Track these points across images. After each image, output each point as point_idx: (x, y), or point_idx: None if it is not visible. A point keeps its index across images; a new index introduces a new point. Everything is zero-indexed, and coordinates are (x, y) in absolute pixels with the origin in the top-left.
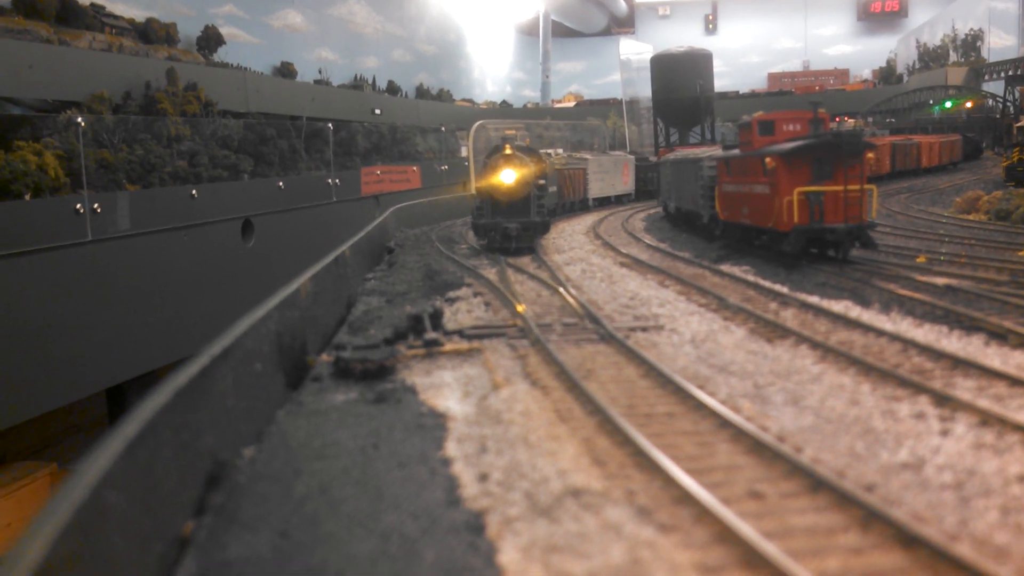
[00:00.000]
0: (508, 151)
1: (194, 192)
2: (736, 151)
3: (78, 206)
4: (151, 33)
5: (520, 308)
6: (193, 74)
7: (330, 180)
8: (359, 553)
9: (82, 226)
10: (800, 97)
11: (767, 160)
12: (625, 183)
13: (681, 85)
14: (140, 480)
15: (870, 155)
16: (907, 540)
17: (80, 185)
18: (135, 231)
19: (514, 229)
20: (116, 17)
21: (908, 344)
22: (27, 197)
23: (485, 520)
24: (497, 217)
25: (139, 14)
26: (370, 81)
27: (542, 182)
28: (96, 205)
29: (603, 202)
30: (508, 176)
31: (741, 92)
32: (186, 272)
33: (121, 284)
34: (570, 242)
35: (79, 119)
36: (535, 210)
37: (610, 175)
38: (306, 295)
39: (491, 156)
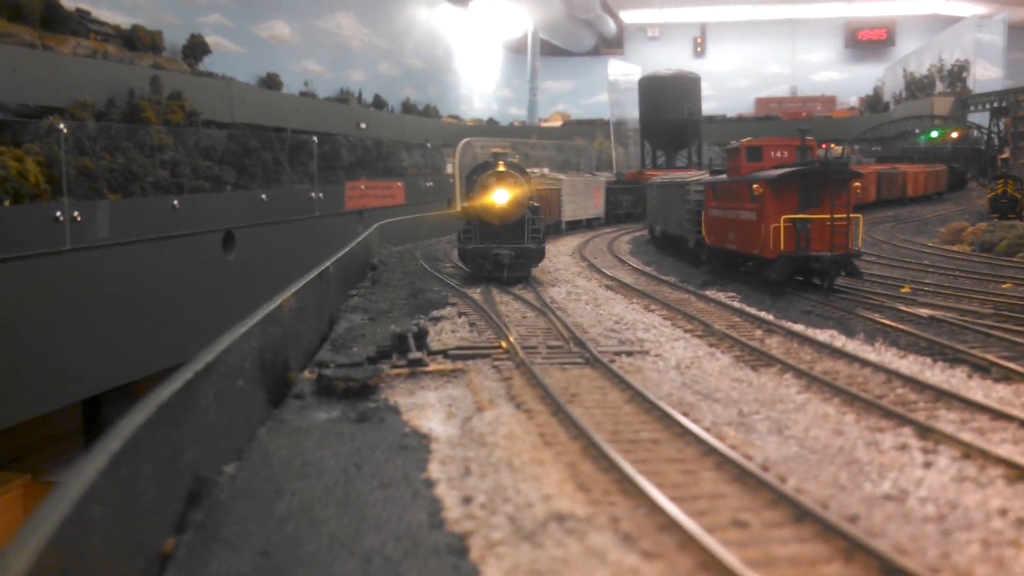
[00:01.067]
0: (501, 168)
1: (176, 202)
2: (723, 176)
3: (58, 214)
4: (136, 40)
5: (511, 338)
6: (178, 83)
7: (314, 194)
8: (341, 574)
9: (61, 234)
10: (787, 123)
11: (755, 186)
12: (596, 206)
13: (669, 107)
14: (123, 495)
15: (856, 184)
16: (889, 572)
17: (60, 192)
18: (115, 241)
19: (507, 256)
20: (101, 23)
21: (892, 375)
22: (6, 203)
23: (468, 543)
24: (487, 242)
25: (124, 20)
26: (356, 95)
27: (536, 204)
28: (76, 213)
29: (575, 226)
30: (501, 196)
31: (728, 116)
32: (166, 284)
33: (100, 294)
34: (555, 263)
35: (61, 125)
36: (530, 235)
37: (583, 197)
38: (289, 311)
39: (481, 174)
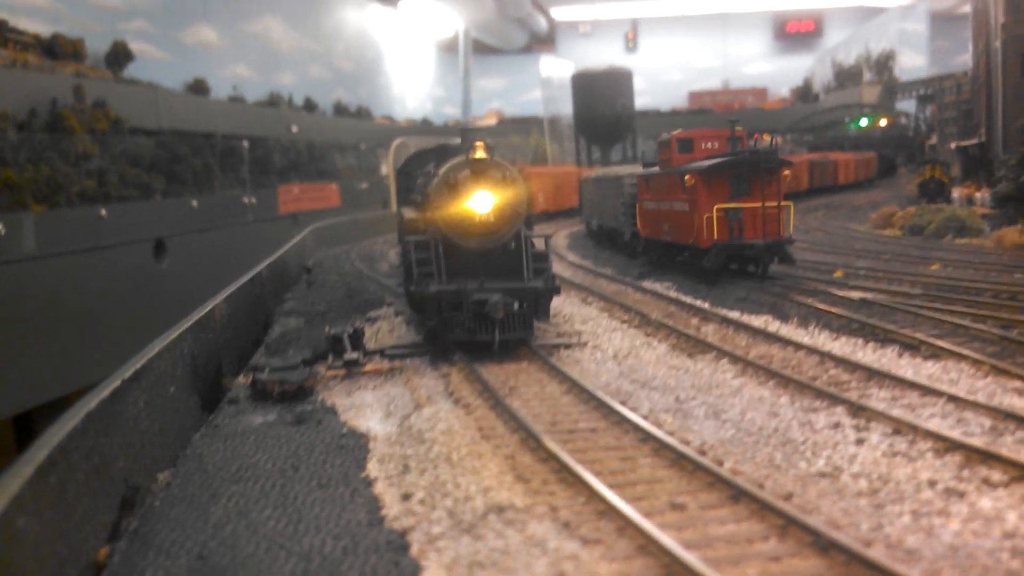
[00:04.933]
0: (481, 154)
1: (103, 212)
2: (656, 169)
3: None
4: (57, 49)
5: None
6: (102, 91)
7: (246, 199)
8: (280, 575)
9: None
10: (720, 115)
11: (686, 177)
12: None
13: (602, 103)
14: (52, 505)
15: (786, 172)
16: (823, 546)
17: None
18: (41, 253)
19: (500, 305)
20: (20, 32)
21: (825, 356)
22: None
23: (408, 539)
24: (460, 280)
25: (44, 29)
26: (287, 98)
27: (530, 214)
28: (0, 226)
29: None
30: (482, 202)
31: (662, 110)
32: (97, 295)
33: (27, 308)
34: None
35: None
36: (531, 266)
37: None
38: (221, 316)
39: (432, 164)
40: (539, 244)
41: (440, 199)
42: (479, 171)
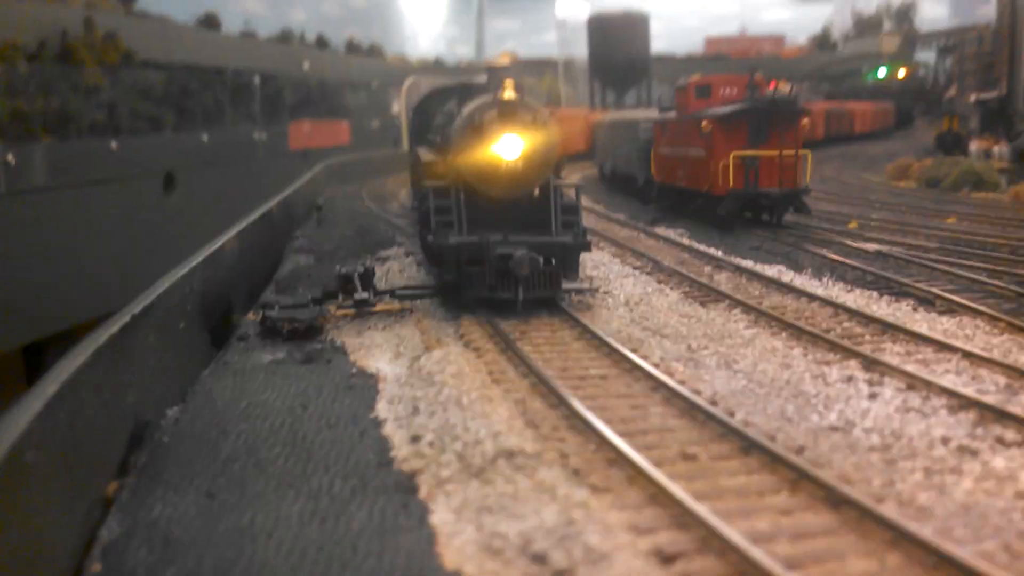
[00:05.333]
0: (510, 94)
1: (114, 144)
2: (672, 114)
3: None
4: None
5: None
6: (112, 23)
7: (257, 135)
8: (288, 514)
9: None
10: (737, 62)
11: (703, 123)
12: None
13: (618, 46)
14: (60, 440)
15: (805, 121)
16: (835, 501)
17: None
18: (53, 184)
19: (524, 261)
20: None
21: (839, 309)
22: None
23: (417, 481)
24: (482, 231)
25: None
26: (299, 35)
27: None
28: (10, 156)
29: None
30: (510, 147)
31: (678, 55)
32: (106, 228)
33: (37, 240)
34: None
35: None
36: (560, 219)
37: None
38: (231, 253)
39: (471, 107)
40: (568, 194)
41: (463, 142)
42: (508, 113)
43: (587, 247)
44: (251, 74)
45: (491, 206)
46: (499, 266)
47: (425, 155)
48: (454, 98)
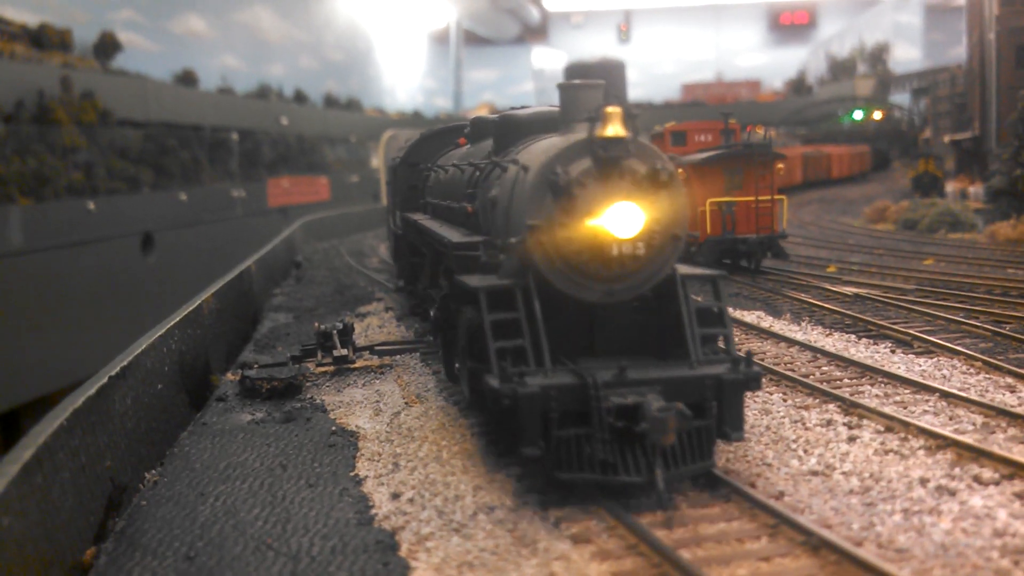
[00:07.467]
0: (616, 129)
1: (92, 205)
2: None
3: None
4: (44, 39)
5: None
6: (89, 82)
7: (235, 192)
8: None
9: None
10: (713, 108)
11: (679, 171)
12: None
13: None
14: (37, 505)
15: (780, 165)
16: (814, 545)
17: None
18: (29, 248)
19: (670, 420)
20: (7, 21)
21: (818, 353)
22: None
23: (398, 538)
24: (567, 356)
25: (32, 19)
26: (276, 89)
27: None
28: None
29: None
30: (624, 220)
31: (655, 102)
32: (84, 290)
33: (12, 303)
34: None
35: None
36: (697, 333)
37: None
38: (209, 312)
39: (545, 157)
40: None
41: (535, 211)
42: (614, 163)
43: (757, 382)
44: (229, 130)
45: (576, 316)
46: (613, 427)
47: (433, 226)
48: (452, 145)
